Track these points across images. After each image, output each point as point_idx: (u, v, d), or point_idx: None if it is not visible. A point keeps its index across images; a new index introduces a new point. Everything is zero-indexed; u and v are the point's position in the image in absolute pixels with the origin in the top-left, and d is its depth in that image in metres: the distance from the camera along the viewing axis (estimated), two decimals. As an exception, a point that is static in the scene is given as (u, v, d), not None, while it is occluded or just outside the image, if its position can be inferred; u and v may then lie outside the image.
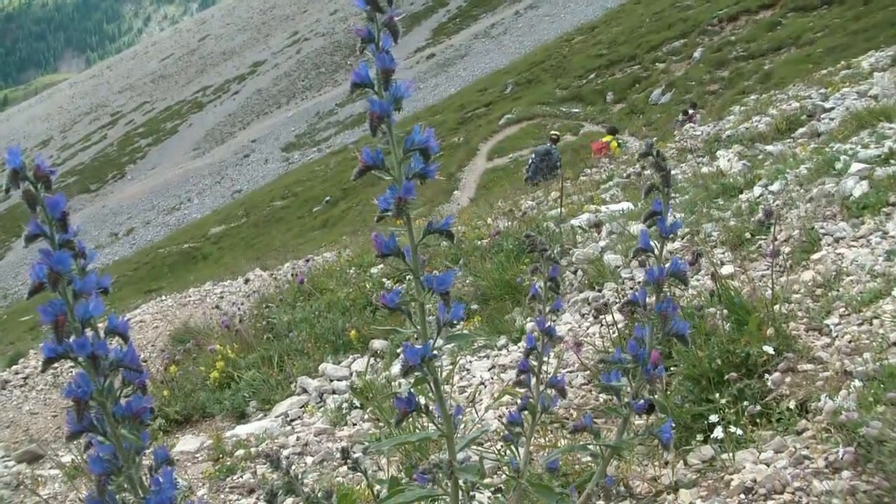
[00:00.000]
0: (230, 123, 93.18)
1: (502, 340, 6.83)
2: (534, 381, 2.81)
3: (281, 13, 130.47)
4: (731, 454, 3.62)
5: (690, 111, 27.19)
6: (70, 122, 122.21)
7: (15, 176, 1.86)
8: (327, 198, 48.26)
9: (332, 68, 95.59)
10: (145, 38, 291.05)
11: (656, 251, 2.58)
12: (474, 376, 6.25)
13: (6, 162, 1.87)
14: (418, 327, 2.32)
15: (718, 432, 3.78)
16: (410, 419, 2.90)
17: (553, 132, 28.15)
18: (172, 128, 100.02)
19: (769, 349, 4.14)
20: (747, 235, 6.60)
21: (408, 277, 2.30)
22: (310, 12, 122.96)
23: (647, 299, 2.59)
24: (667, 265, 2.58)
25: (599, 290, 7.00)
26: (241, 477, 5.67)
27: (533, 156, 24.38)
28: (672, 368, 4.39)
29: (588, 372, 5.20)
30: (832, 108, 11.68)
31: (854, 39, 30.49)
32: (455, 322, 2.33)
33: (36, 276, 1.89)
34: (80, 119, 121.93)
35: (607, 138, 25.77)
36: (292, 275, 13.87)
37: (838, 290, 4.89)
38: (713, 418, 3.88)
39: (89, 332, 1.95)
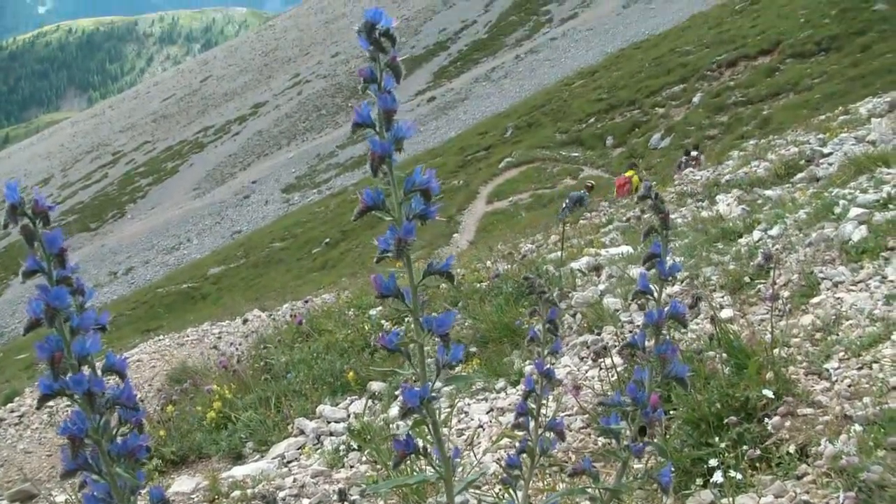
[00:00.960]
0: (231, 164, 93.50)
1: (501, 383, 6.81)
2: (532, 423, 2.80)
3: (283, 55, 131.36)
4: (730, 499, 3.59)
5: (694, 153, 27.23)
6: (71, 161, 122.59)
7: (13, 211, 1.85)
8: (327, 239, 48.28)
9: (333, 110, 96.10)
10: (147, 77, 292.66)
11: (655, 294, 2.58)
12: (472, 419, 6.22)
13: (5, 197, 1.87)
14: (417, 369, 2.31)
15: (718, 476, 3.76)
16: (408, 462, 2.89)
17: (589, 181, 29.42)
18: (173, 168, 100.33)
19: (769, 393, 4.13)
20: (747, 279, 6.60)
21: (406, 319, 2.29)
22: (311, 55, 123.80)
23: (647, 342, 2.59)
24: (666, 308, 2.58)
25: (598, 334, 6.99)
26: (237, 519, 5.62)
27: (567, 200, 25.34)
28: (671, 412, 4.37)
29: (587, 415, 5.17)
30: (830, 154, 11.74)
31: (852, 86, 30.70)
32: (454, 364, 2.32)
33: (33, 311, 1.88)
34: (81, 158, 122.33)
35: (629, 173, 26.10)
36: (291, 316, 13.85)
37: (837, 335, 4.89)
38: (713, 462, 3.86)
39: (86, 370, 1.94)
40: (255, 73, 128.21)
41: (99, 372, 2.01)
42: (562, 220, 22.58)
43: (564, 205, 25.33)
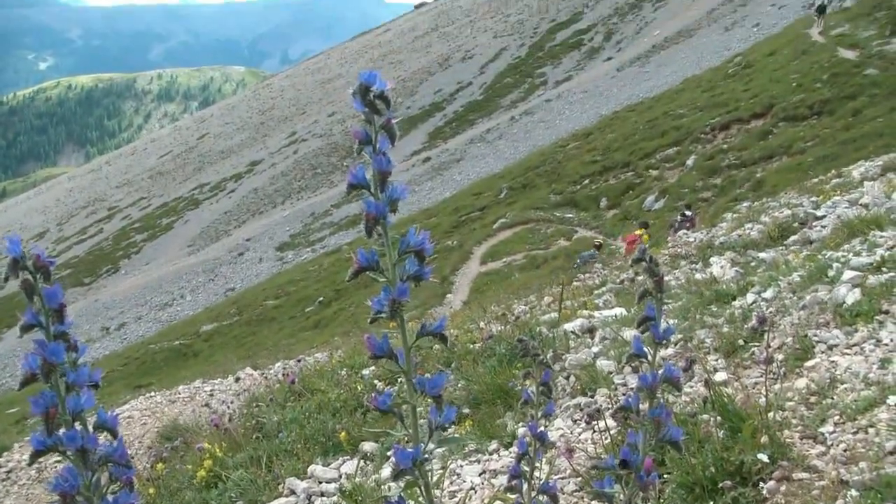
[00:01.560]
0: (226, 221, 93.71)
1: (493, 445, 6.76)
2: (525, 486, 2.78)
3: (279, 114, 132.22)
4: (725, 565, 3.56)
5: (688, 213, 27.64)
6: (67, 216, 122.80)
7: (15, 265, 1.87)
8: (320, 298, 48.20)
9: (329, 169, 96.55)
10: (145, 134, 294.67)
11: (649, 357, 2.58)
12: (465, 481, 6.17)
13: (6, 251, 1.88)
14: (410, 430, 2.30)
15: (713, 542, 3.73)
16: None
17: (597, 241, 31.24)
18: (168, 224, 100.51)
19: (764, 457, 4.11)
20: (741, 342, 6.59)
21: (399, 380, 2.28)
22: (307, 114, 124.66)
23: (641, 405, 2.59)
24: (660, 371, 2.58)
25: (592, 396, 6.96)
26: (225, 581, 5.55)
27: (579, 260, 28.09)
28: (665, 476, 4.34)
29: (580, 478, 5.14)
30: (824, 216, 11.81)
31: (843, 149, 30.94)
32: (447, 425, 2.32)
33: (29, 366, 1.89)
34: (76, 212, 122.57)
35: (639, 232, 26.67)
36: (283, 374, 13.79)
37: (833, 398, 4.87)
38: (707, 528, 3.83)
39: (78, 426, 1.94)
40: (252, 131, 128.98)
41: (91, 428, 2.00)
42: (572, 270, 23.85)
43: (577, 262, 27.29)
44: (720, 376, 5.92)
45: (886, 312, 6.06)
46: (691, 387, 5.87)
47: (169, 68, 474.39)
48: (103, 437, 2.02)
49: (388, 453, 6.71)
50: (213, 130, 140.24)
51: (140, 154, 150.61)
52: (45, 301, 1.91)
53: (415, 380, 2.26)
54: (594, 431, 5.70)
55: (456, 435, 5.15)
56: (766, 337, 5.85)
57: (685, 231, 21.00)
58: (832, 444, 4.32)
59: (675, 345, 7.16)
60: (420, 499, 2.34)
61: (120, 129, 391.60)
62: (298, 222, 79.87)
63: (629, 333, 7.85)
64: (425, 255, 2.20)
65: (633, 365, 2.65)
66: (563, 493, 5.11)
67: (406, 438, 2.33)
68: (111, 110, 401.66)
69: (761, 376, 5.60)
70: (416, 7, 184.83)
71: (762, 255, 10.66)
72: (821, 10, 53.85)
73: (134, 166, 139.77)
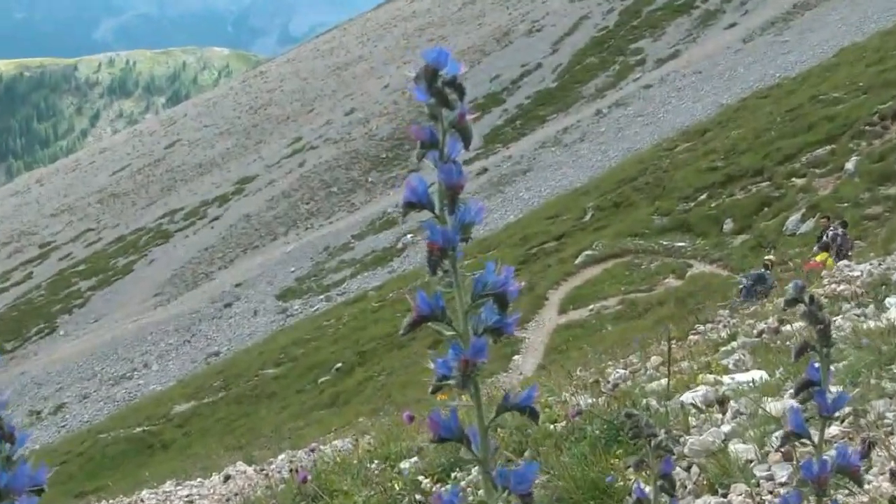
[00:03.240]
0: (207, 261, 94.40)
1: (589, 563, 6.77)
2: None
3: (279, 112, 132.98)
4: None
5: (839, 230, 28.06)
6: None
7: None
8: (338, 364, 48.36)
9: (349, 187, 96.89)
10: (92, 142, 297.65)
11: (814, 437, 2.57)
12: None
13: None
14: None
15: None
16: None
17: (767, 258, 31.20)
18: (126, 266, 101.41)
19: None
20: (939, 418, 6.54)
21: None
22: (318, 112, 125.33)
23: (804, 506, 2.58)
24: (830, 457, 2.57)
25: (724, 495, 6.93)
26: None
27: (744, 280, 27.98)
28: None
29: None
30: None
31: None
32: (540, 534, 2.33)
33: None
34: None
35: (821, 257, 27.03)
36: (290, 470, 13.85)
37: None
38: None
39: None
40: (241, 137, 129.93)
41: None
42: (739, 305, 23.74)
43: (741, 287, 27.31)
44: (910, 466, 5.88)
45: None
46: (869, 481, 5.83)
47: (124, 51, 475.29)
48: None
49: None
50: (186, 136, 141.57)
51: (85, 169, 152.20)
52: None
53: (494, 471, 2.25)
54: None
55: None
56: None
57: (847, 262, 20.88)
58: None
59: (842, 421, 7.10)
60: None
61: (56, 136, 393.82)
62: (307, 260, 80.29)
63: (775, 406, 7.82)
64: (508, 299, 2.10)
65: (784, 449, 2.65)
66: None
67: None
68: (43, 109, 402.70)
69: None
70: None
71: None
72: None
73: (76, 186, 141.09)
